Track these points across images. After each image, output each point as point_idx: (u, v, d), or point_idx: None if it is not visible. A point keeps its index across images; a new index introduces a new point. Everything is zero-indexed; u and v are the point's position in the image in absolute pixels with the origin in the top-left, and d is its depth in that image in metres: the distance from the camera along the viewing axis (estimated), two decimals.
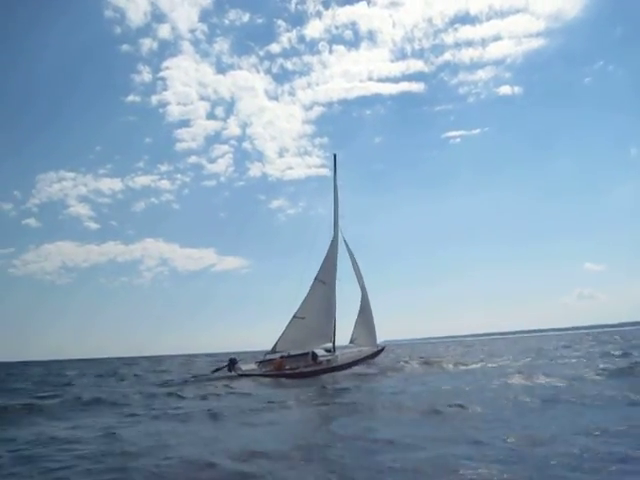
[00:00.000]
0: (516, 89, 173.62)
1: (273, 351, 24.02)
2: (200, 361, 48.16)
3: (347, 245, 26.57)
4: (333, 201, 27.19)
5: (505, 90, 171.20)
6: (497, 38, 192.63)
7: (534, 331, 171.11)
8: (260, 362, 23.58)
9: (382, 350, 27.67)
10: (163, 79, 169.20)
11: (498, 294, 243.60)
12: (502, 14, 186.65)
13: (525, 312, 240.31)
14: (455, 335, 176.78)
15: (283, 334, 24.24)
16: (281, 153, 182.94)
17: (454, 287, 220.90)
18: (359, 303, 26.98)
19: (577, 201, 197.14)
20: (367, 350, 26.06)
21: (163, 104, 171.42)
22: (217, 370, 23.15)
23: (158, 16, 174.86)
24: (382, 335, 28.32)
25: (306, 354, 23.67)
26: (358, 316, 26.66)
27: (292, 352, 23.79)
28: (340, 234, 26.59)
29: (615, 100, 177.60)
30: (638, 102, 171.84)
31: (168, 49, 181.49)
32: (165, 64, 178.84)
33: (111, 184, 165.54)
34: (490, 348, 44.88)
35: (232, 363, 22.91)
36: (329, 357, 24.31)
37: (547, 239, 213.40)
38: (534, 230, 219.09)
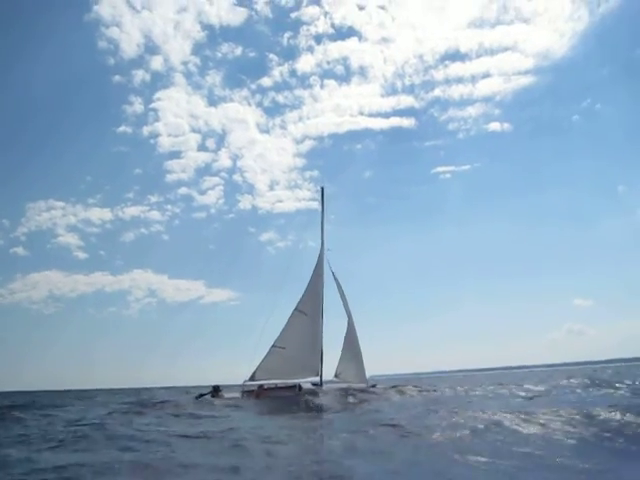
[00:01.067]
0: (505, 125, 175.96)
1: (252, 379, 24.00)
2: (161, 393, 43.55)
3: (335, 276, 26.52)
4: (320, 232, 27.59)
5: (494, 126, 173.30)
6: (486, 75, 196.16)
7: (523, 367, 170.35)
8: (244, 392, 23.51)
9: (373, 387, 25.85)
10: (155, 110, 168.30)
11: (487, 329, 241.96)
12: (492, 52, 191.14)
13: (514, 347, 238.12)
14: (444, 370, 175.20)
15: (262, 363, 24.33)
16: (271, 186, 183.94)
17: (444, 322, 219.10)
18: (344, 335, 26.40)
19: (565, 237, 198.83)
20: (356, 387, 24.91)
21: (154, 135, 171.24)
22: (201, 396, 23.25)
23: (151, 48, 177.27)
24: (369, 370, 27.50)
25: (293, 386, 23.66)
26: (343, 349, 25.92)
27: (280, 384, 23.86)
28: (327, 265, 26.68)
29: (603, 138, 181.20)
30: (625, 140, 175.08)
31: (160, 81, 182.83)
32: (157, 95, 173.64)
33: (100, 214, 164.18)
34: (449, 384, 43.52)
35: (215, 390, 23.09)
36: (314, 390, 24.19)
37: (536, 274, 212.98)
38: (523, 265, 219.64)
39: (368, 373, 27.15)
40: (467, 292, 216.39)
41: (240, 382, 24.55)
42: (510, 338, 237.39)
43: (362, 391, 23.44)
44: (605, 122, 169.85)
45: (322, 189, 28.79)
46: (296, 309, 25.52)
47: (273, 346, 24.61)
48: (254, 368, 24.42)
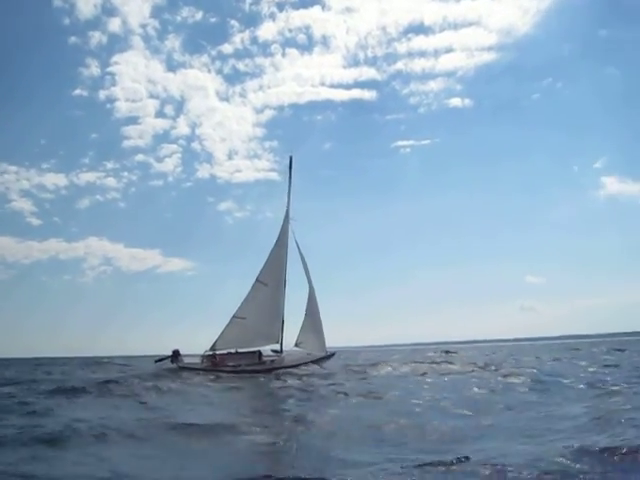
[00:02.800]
0: (466, 101, 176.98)
1: (212, 349, 24.15)
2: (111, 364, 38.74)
3: (298, 246, 26.56)
4: (286, 202, 27.40)
5: (455, 102, 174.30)
6: (449, 50, 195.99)
7: (475, 341, 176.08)
8: (203, 356, 23.71)
9: (332, 356, 26.69)
10: (112, 74, 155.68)
11: (441, 303, 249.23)
12: (455, 26, 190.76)
13: (468, 321, 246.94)
14: (399, 343, 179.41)
15: (222, 333, 24.47)
16: (230, 155, 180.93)
17: (400, 294, 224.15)
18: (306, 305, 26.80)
19: (520, 216, 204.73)
20: (315, 354, 25.65)
21: (111, 100, 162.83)
22: (160, 360, 23.43)
23: (109, 9, 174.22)
24: (329, 342, 27.96)
25: (253, 353, 23.98)
26: (304, 319, 26.19)
27: (240, 350, 24.10)
28: (292, 235, 26.66)
29: (562, 117, 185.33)
30: (584, 120, 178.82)
31: (118, 43, 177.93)
32: (114, 59, 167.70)
33: (55, 179, 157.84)
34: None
35: (175, 355, 23.19)
36: (274, 357, 24.61)
37: (489, 250, 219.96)
38: (477, 241, 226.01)
39: (329, 345, 27.61)
40: (421, 267, 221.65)
41: (196, 352, 24.69)
42: (462, 312, 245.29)
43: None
44: (565, 102, 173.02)
45: (290, 158, 28.40)
46: (257, 280, 25.58)
47: (234, 317, 24.74)
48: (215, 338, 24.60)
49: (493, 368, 21.54)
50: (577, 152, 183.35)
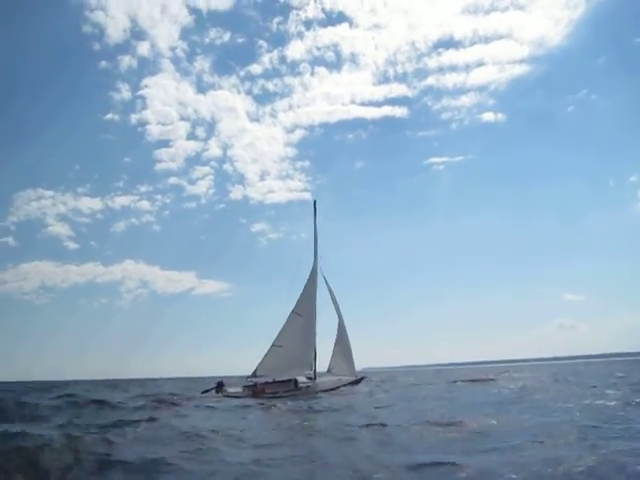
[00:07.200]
0: (499, 116, 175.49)
1: (253, 375, 26.69)
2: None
3: (326, 281, 29.16)
4: (313, 240, 30.05)
5: (488, 117, 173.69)
6: (481, 64, 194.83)
7: (513, 361, 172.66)
8: (245, 386, 26.08)
9: (361, 379, 29.14)
10: (142, 97, 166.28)
11: (477, 322, 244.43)
12: (486, 39, 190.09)
13: (505, 341, 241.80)
14: (432, 364, 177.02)
15: (262, 361, 27.13)
16: (262, 176, 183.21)
17: (433, 314, 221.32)
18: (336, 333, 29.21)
19: (556, 231, 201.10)
20: (346, 379, 28.14)
21: (142, 123, 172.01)
22: (206, 391, 25.76)
23: (137, 33, 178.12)
24: (359, 362, 30.21)
25: (289, 381, 26.25)
26: (335, 346, 28.85)
27: (277, 379, 26.42)
28: (320, 271, 29.25)
29: (597, 130, 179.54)
30: (620, 133, 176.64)
31: (147, 67, 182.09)
32: (144, 82, 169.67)
33: (90, 203, 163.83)
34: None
35: (219, 386, 25.59)
36: (309, 384, 26.81)
37: (526, 268, 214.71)
38: (513, 259, 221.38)
39: (360, 366, 29.74)
40: (458, 285, 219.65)
41: (232, 374, 26.99)
42: (501, 331, 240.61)
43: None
44: (601, 114, 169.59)
45: (314, 202, 31.05)
46: (293, 312, 28.10)
47: (272, 345, 27.30)
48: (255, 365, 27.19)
49: None
50: (614, 166, 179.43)
